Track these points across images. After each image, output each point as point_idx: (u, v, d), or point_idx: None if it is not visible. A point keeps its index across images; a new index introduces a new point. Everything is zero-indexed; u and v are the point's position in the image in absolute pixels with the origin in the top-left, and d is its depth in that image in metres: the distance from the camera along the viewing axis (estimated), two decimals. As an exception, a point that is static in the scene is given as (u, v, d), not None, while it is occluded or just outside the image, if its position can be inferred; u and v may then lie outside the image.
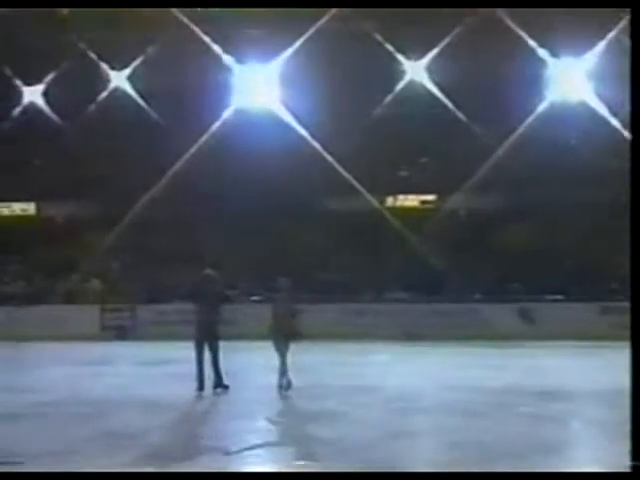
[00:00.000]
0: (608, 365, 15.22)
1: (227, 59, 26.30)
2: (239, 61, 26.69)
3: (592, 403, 12.82)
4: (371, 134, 26.68)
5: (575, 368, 16.94)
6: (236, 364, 14.80)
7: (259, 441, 10.18)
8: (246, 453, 9.33)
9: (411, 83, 26.96)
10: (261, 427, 11.31)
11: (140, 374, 16.70)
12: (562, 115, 25.69)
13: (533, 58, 25.02)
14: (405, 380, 15.31)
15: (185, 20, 24.94)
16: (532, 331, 22.53)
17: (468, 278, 24.85)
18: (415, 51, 26.47)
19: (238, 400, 13.24)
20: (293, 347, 13.76)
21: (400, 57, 26.49)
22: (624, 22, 21.23)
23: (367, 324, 23.50)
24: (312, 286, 23.23)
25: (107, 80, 27.71)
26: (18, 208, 30.44)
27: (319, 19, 24.81)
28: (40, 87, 28.10)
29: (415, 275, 25.37)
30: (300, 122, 26.65)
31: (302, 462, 8.94)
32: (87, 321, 24.53)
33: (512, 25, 24.17)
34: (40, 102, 28.24)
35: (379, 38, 25.67)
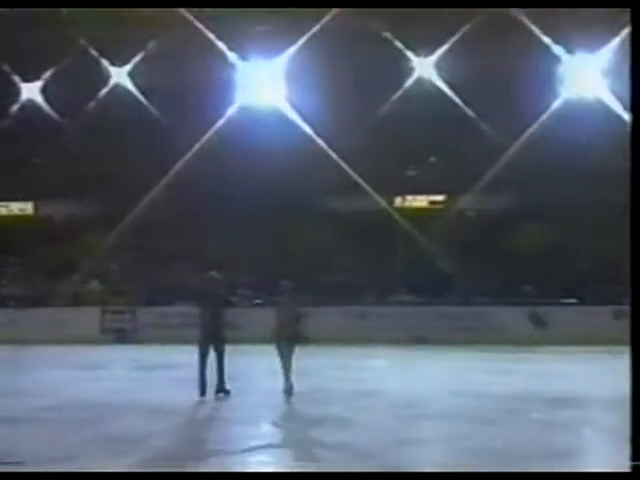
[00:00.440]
0: (621, 371, 14.69)
1: (231, 55, 26.04)
2: (243, 57, 26.45)
3: (604, 410, 12.44)
4: (378, 132, 26.33)
5: (587, 373, 16.66)
6: (240, 368, 14.73)
7: (263, 445, 10.07)
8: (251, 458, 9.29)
9: (420, 80, 26.66)
10: (266, 432, 11.24)
11: (140, 378, 16.51)
12: (576, 113, 25.24)
13: (546, 54, 24.65)
14: (411, 385, 15.17)
15: (188, 16, 24.59)
16: (543, 336, 22.30)
17: (478, 280, 24.46)
18: (424, 47, 26.16)
19: (243, 405, 13.10)
20: (297, 351, 13.61)
21: (408, 53, 26.20)
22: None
23: (372, 327, 23.24)
24: (316, 288, 23.07)
25: (107, 77, 27.48)
26: (16, 208, 30.34)
27: (325, 15, 24.48)
28: (38, 84, 27.86)
29: (423, 277, 25.14)
30: (306, 120, 26.43)
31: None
32: (87, 323, 24.37)
33: (524, 21, 23.79)
34: (39, 99, 28.03)
35: (387, 34, 25.39)
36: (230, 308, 14.27)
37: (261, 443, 10.09)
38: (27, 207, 30.20)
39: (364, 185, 26.90)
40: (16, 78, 27.77)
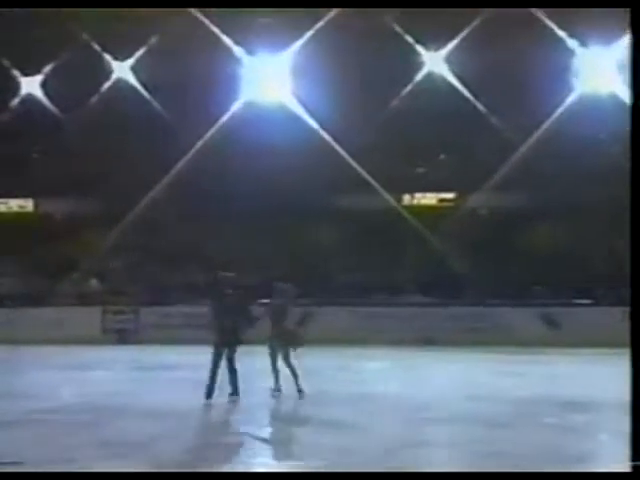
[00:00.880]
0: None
1: (236, 50, 25.88)
2: (249, 52, 26.27)
3: (617, 414, 11.73)
4: (387, 128, 26.08)
5: (600, 376, 16.31)
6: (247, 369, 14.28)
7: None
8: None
9: (430, 75, 26.43)
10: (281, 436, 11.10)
11: (140, 380, 16.30)
12: (590, 109, 24.99)
13: (560, 48, 24.43)
14: (421, 388, 14.98)
15: (193, 10, 24.38)
16: (557, 337, 22.00)
17: (489, 280, 24.23)
18: (434, 41, 25.87)
19: (249, 407, 12.88)
20: (302, 352, 13.46)
21: (418, 47, 26.00)
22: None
23: (381, 328, 22.95)
24: (325, 288, 23.15)
25: (110, 71, 27.25)
26: (15, 205, 30.18)
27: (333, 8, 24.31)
28: (38, 78, 27.67)
29: (432, 277, 25.00)
30: (313, 116, 26.29)
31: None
32: (87, 323, 24.16)
33: (537, 14, 23.51)
34: (39, 94, 27.84)
35: (396, 27, 25.12)
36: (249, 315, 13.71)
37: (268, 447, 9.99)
38: (27, 204, 30.09)
39: (372, 183, 26.71)
40: (16, 72, 27.60)
